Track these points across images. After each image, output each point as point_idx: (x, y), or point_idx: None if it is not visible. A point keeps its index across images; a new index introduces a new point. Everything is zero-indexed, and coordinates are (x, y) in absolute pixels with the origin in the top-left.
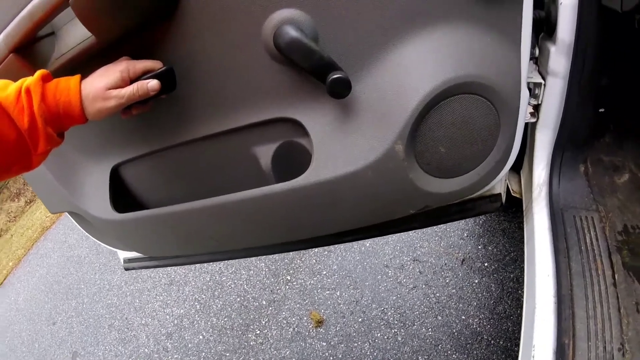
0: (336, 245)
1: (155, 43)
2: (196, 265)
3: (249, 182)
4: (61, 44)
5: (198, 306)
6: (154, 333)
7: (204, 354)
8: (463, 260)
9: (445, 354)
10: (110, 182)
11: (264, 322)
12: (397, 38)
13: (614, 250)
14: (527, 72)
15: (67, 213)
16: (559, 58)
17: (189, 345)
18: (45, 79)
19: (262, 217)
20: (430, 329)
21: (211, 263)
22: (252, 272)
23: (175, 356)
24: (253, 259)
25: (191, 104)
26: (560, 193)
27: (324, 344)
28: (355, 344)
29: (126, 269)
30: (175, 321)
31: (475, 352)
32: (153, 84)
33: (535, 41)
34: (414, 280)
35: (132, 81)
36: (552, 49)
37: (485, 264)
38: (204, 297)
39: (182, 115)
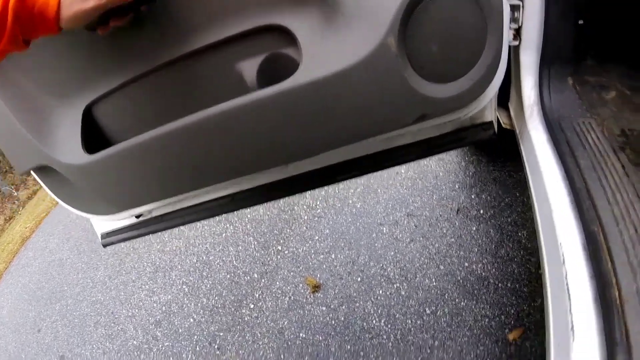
0: (326, 211)
1: None
2: (181, 248)
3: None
4: None
5: (186, 289)
6: (141, 323)
7: (196, 337)
8: (458, 210)
9: (453, 302)
10: (83, 123)
11: (257, 295)
12: None
13: (618, 149)
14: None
15: (35, 175)
16: None
17: (180, 330)
18: None
19: (247, 130)
20: (434, 280)
21: (197, 244)
22: (240, 247)
23: (166, 343)
24: (241, 234)
25: (167, 20)
26: (553, 106)
27: (324, 308)
28: (357, 304)
29: (105, 245)
30: (163, 308)
31: (483, 297)
32: None
33: None
34: (411, 234)
35: None
36: None
37: (481, 212)
38: (191, 279)
39: (159, 35)
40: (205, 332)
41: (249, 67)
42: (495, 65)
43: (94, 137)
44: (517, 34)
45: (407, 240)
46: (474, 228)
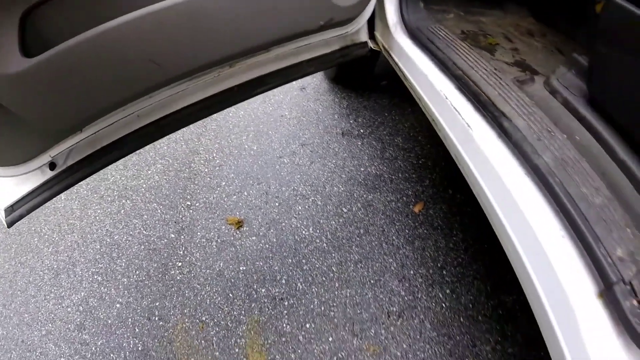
0: (225, 159)
1: None
2: (78, 241)
3: None
4: None
5: (99, 278)
6: (62, 335)
7: (130, 320)
8: (342, 133)
9: (362, 197)
10: (20, 28)
11: (181, 253)
12: None
13: (461, 39)
14: None
15: None
16: None
17: (109, 322)
18: None
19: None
20: (340, 186)
21: (95, 230)
22: (145, 216)
23: (99, 342)
24: (141, 204)
25: None
26: (411, 21)
27: (254, 238)
28: (284, 224)
29: (11, 224)
30: (80, 308)
31: (384, 188)
32: None
33: None
34: (309, 158)
35: None
36: None
37: (361, 131)
38: (101, 266)
39: None
40: (138, 310)
41: None
42: None
43: (32, 45)
44: None
45: (307, 164)
46: (360, 143)
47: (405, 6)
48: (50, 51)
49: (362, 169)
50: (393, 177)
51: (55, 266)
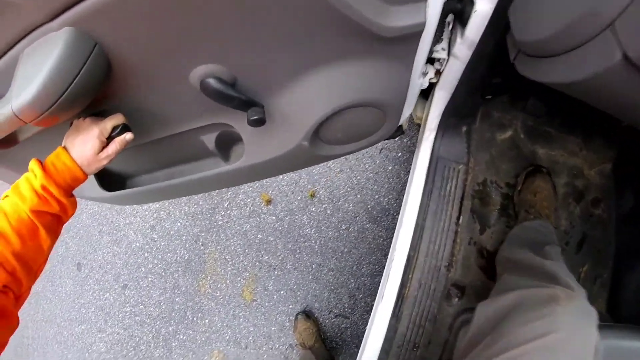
0: None
1: (106, 98)
2: None
3: (201, 156)
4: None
5: (169, 200)
6: (139, 229)
7: (184, 237)
8: (381, 149)
9: (361, 223)
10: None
11: (226, 205)
12: (304, 73)
13: (468, 197)
14: (418, 76)
15: None
16: (463, 48)
17: (171, 233)
18: (44, 169)
19: (217, 184)
20: (351, 204)
21: None
22: None
23: (162, 243)
24: None
25: (154, 122)
26: (440, 145)
27: (274, 217)
28: (297, 217)
29: None
30: (154, 215)
31: (383, 223)
32: (130, 136)
33: (450, 21)
34: (341, 165)
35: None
36: (459, 39)
37: (399, 154)
38: None
39: (149, 127)
40: (190, 233)
41: (210, 137)
42: (395, 124)
43: (105, 177)
44: (438, 74)
45: (337, 170)
46: (390, 168)
47: (444, 127)
48: (120, 192)
49: (376, 197)
50: (396, 215)
51: None
